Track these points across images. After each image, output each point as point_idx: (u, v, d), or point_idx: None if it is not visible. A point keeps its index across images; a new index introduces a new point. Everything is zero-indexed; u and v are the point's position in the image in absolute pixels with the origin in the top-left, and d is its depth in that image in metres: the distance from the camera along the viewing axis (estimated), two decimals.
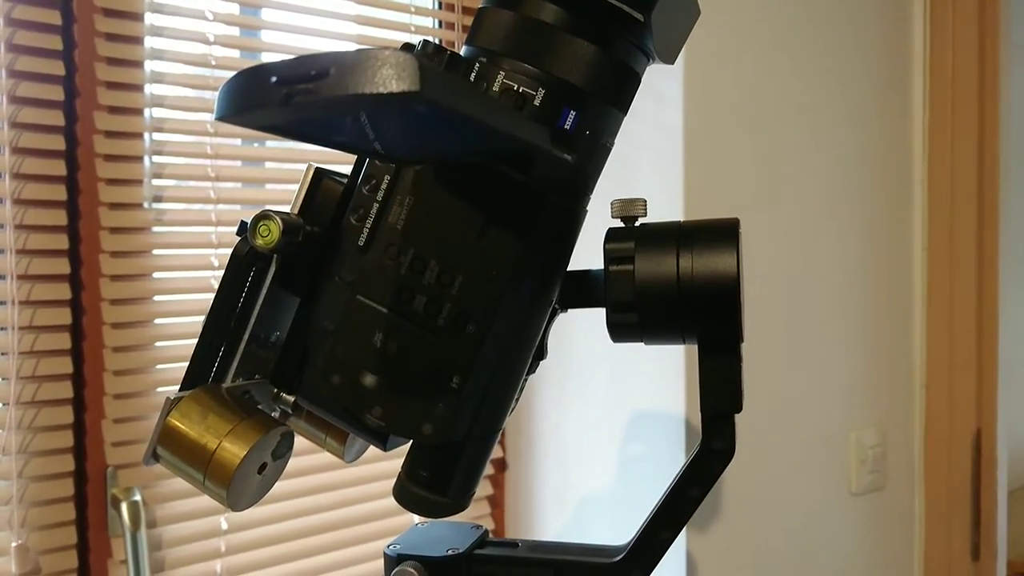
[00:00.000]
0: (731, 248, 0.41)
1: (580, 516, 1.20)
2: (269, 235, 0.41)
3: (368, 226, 0.42)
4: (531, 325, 0.44)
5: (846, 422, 1.27)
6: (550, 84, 0.39)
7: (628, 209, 0.44)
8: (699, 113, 1.04)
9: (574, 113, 0.40)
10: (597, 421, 1.16)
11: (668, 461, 1.05)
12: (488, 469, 1.28)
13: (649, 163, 1.07)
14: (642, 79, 0.44)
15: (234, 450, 0.40)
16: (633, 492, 1.11)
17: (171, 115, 0.99)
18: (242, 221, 0.43)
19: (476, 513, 1.28)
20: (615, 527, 1.13)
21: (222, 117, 0.28)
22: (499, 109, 0.38)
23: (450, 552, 0.48)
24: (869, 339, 1.29)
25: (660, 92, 1.06)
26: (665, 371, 1.04)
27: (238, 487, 0.41)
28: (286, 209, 0.44)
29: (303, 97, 0.26)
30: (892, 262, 1.33)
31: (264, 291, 0.44)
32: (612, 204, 0.45)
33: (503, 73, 0.39)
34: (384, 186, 0.41)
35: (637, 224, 0.44)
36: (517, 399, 0.46)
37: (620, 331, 0.43)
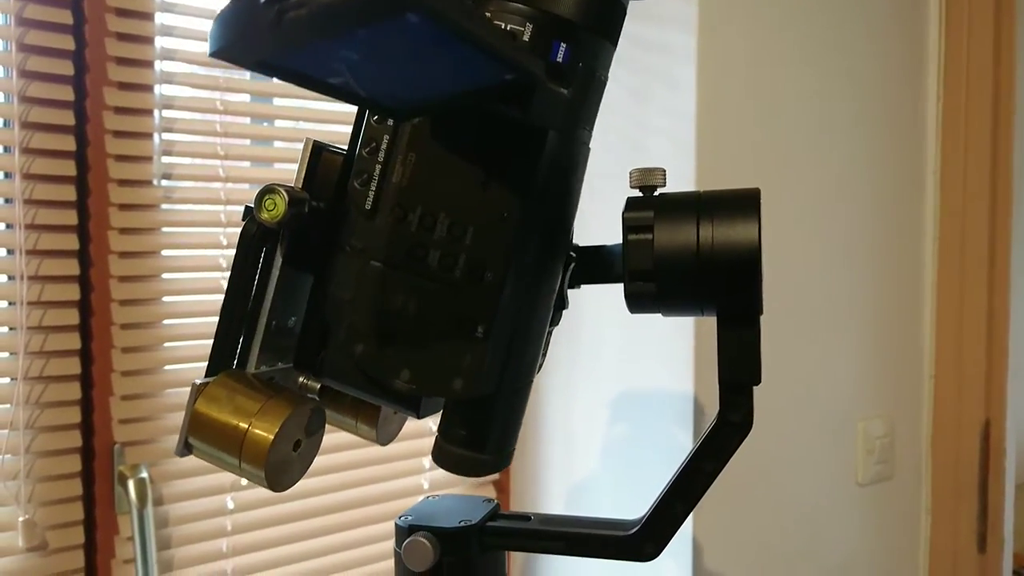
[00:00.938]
0: (752, 218, 0.40)
1: (586, 500, 1.19)
2: (275, 208, 0.41)
3: (372, 189, 0.42)
4: (548, 267, 0.43)
5: (854, 412, 1.26)
6: (538, 19, 0.39)
7: (647, 178, 0.44)
8: (712, 99, 1.03)
9: (565, 46, 0.39)
10: (605, 404, 1.15)
11: (676, 445, 1.05)
12: None
13: (661, 149, 1.06)
14: (626, 15, 0.43)
15: (265, 428, 0.40)
16: (640, 476, 1.11)
17: (181, 92, 0.98)
18: (246, 207, 0.43)
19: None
20: (621, 512, 1.12)
21: (216, 52, 0.28)
22: (495, 29, 0.37)
23: (462, 523, 0.48)
24: (878, 328, 1.29)
25: (674, 78, 1.05)
26: (675, 353, 1.04)
27: (275, 466, 0.40)
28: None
29: (295, 12, 0.25)
30: (902, 251, 1.32)
31: (276, 270, 0.43)
32: (631, 173, 0.44)
33: (489, 13, 0.39)
34: (384, 147, 0.41)
35: (656, 194, 0.44)
36: (544, 352, 0.46)
37: (638, 301, 0.43)
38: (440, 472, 1.20)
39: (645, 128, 1.07)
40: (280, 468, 0.41)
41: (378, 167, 0.41)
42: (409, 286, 0.40)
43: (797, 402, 1.16)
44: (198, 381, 0.42)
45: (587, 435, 1.19)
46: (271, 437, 0.40)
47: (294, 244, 0.43)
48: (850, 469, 1.26)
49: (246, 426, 0.40)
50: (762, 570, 1.13)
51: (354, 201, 0.42)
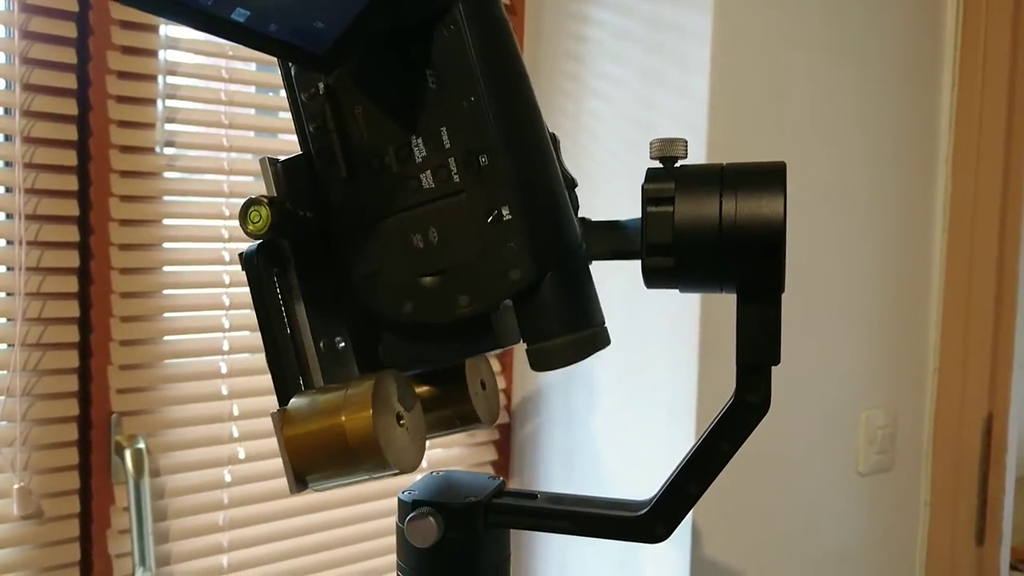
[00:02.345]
0: (779, 192, 0.39)
1: (587, 480, 1.19)
2: (260, 220, 0.40)
3: (340, 158, 0.41)
4: (531, 127, 0.42)
5: (857, 402, 1.25)
6: None
7: (668, 149, 0.42)
8: (726, 81, 1.02)
9: None
10: (607, 382, 1.14)
11: (680, 426, 1.04)
12: (493, 434, 1.27)
13: (672, 130, 1.04)
14: None
15: (360, 409, 0.38)
16: (642, 457, 1.10)
17: (186, 58, 0.97)
18: (240, 255, 0.43)
19: None
20: (622, 493, 1.12)
21: None
22: None
23: (468, 500, 0.47)
24: (884, 318, 1.27)
25: (686, 58, 1.03)
26: (680, 333, 1.03)
27: (391, 444, 0.39)
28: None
29: None
30: (911, 241, 1.31)
31: (296, 290, 0.43)
32: (652, 144, 0.43)
33: None
34: (330, 117, 0.41)
35: (677, 165, 0.42)
36: (577, 217, 0.44)
37: (655, 276, 0.41)
38: (438, 450, 1.19)
39: (656, 109, 1.06)
40: (397, 446, 0.39)
41: (334, 136, 0.41)
42: (421, 219, 0.40)
43: (801, 389, 1.16)
44: (274, 411, 0.41)
45: (588, 413, 1.18)
46: (370, 413, 0.38)
47: (301, 257, 0.43)
48: (851, 458, 1.25)
49: (342, 418, 0.38)
50: (761, 556, 1.13)
51: (330, 178, 0.42)
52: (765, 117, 1.08)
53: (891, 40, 1.24)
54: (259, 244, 0.42)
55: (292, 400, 0.41)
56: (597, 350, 0.42)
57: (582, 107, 1.15)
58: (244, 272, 0.43)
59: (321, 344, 0.43)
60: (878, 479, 1.29)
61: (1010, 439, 1.31)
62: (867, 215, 1.23)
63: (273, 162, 0.43)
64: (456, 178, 0.40)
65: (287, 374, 0.42)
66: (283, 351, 0.42)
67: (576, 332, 0.41)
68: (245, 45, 0.34)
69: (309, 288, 0.43)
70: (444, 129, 0.40)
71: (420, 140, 0.40)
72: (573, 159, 1.10)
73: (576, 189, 0.46)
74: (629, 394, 1.11)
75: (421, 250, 0.40)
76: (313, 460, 0.39)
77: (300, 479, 0.40)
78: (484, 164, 0.39)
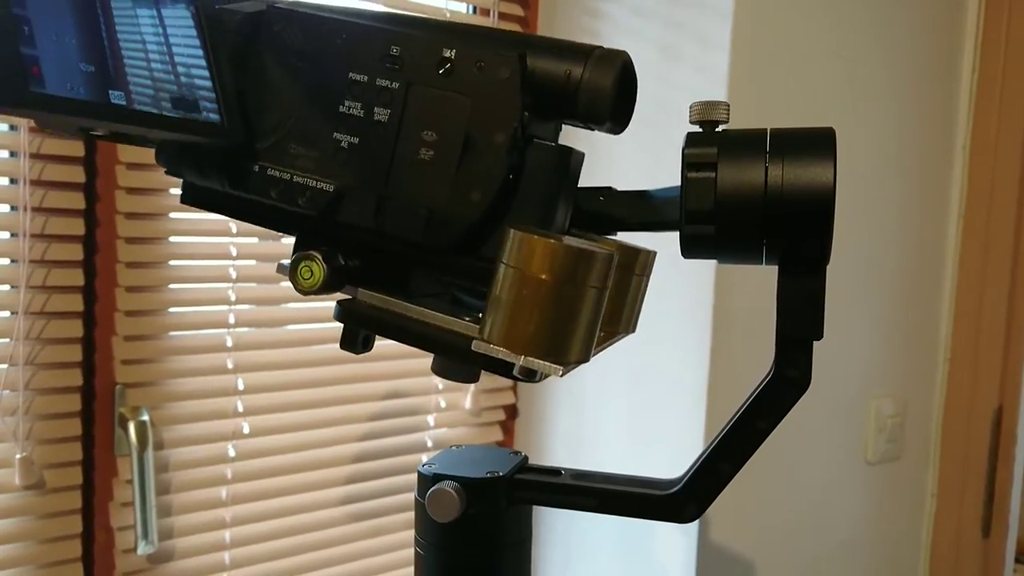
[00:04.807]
0: (828, 158, 0.37)
1: (593, 461, 1.17)
2: (312, 276, 0.39)
3: (310, 184, 0.40)
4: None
5: (867, 390, 1.24)
6: None
7: (709, 113, 0.40)
8: (746, 59, 1.00)
9: None
10: (616, 364, 1.13)
11: (690, 406, 1.02)
12: (499, 415, 1.26)
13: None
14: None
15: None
16: (650, 441, 1.09)
17: None
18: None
19: None
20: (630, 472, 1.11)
21: None
22: None
23: (490, 474, 0.45)
24: (896, 306, 1.26)
25: (705, 35, 1.01)
26: (693, 311, 1.01)
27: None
28: None
29: None
30: (925, 228, 1.29)
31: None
32: (691, 107, 0.41)
33: None
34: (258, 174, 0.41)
35: (719, 130, 0.41)
36: (602, 188, 0.44)
37: (694, 245, 0.40)
38: (443, 429, 1.18)
39: (675, 87, 1.04)
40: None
41: (287, 173, 0.40)
42: (408, 158, 0.38)
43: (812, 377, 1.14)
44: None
45: (596, 396, 1.17)
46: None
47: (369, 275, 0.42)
48: (860, 446, 1.24)
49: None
50: (767, 543, 1.12)
51: (319, 208, 0.40)
52: (785, 96, 1.06)
53: (914, 22, 1.22)
54: (338, 303, 0.42)
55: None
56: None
57: None
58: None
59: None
60: (886, 468, 1.28)
61: (1020, 432, 1.30)
62: (883, 201, 1.21)
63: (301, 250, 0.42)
64: (376, 118, 0.39)
65: None
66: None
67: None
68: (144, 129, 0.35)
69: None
70: (356, 78, 0.39)
71: (348, 100, 0.39)
72: (586, 137, 1.08)
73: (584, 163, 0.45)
74: (638, 373, 1.10)
75: (430, 181, 0.39)
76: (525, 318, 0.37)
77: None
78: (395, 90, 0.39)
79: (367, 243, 0.40)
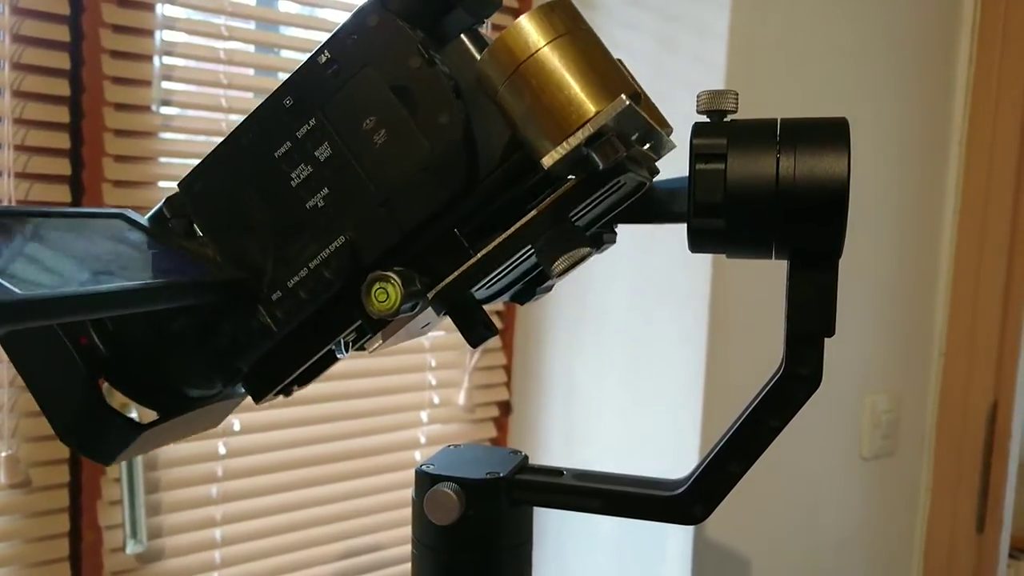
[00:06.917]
0: (842, 149, 0.36)
1: (587, 458, 1.16)
2: (387, 299, 0.36)
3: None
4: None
5: (862, 386, 1.23)
6: None
7: (717, 102, 0.39)
8: (744, 49, 0.98)
9: None
10: (612, 363, 1.12)
11: (685, 402, 1.01)
12: (493, 411, 1.24)
13: (688, 101, 1.01)
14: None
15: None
16: (645, 437, 1.08)
17: (183, 13, 0.92)
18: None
19: None
20: (625, 471, 1.10)
21: None
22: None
23: (490, 475, 0.44)
24: (891, 302, 1.25)
25: (703, 25, 1.00)
26: (691, 308, 1.00)
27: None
28: None
29: None
30: (921, 224, 1.28)
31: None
32: (699, 96, 0.40)
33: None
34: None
35: (727, 120, 0.39)
36: None
37: (702, 239, 0.38)
38: (436, 426, 1.17)
39: (671, 79, 1.02)
40: None
41: (303, 271, 0.40)
42: (373, 156, 0.38)
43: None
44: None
45: (591, 395, 1.16)
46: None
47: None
48: (855, 442, 1.24)
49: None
50: (763, 539, 1.11)
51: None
52: (783, 87, 1.05)
53: (911, 14, 1.21)
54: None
55: None
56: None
57: None
58: None
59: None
60: (881, 464, 1.28)
61: (1015, 428, 1.30)
62: (878, 195, 1.21)
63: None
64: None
65: None
66: None
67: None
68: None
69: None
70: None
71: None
72: None
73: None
74: (633, 369, 1.09)
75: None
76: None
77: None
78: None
79: (413, 251, 0.38)
